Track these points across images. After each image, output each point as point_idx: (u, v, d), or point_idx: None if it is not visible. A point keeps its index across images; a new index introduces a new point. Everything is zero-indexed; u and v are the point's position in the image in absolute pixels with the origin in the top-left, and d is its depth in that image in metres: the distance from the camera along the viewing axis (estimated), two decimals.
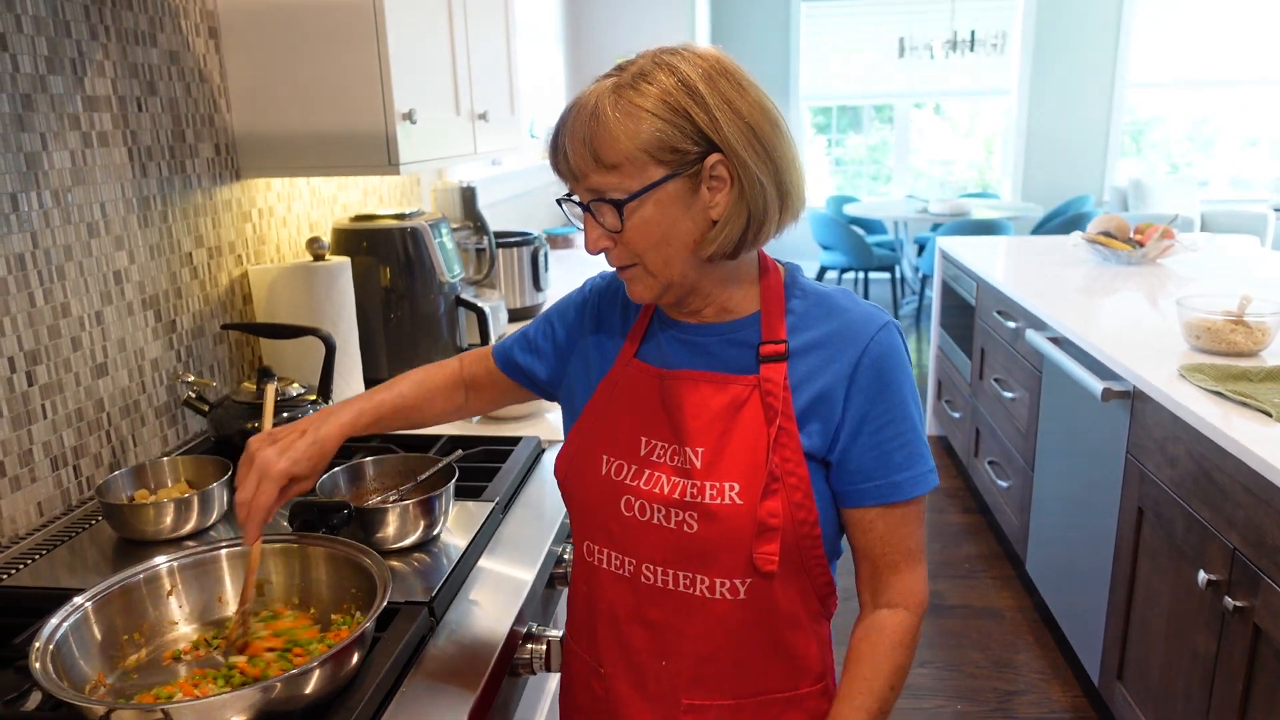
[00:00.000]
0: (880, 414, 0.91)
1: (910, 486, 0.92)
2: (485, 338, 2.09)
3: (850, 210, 6.65)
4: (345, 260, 1.86)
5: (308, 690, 0.84)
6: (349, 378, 1.85)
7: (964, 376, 3.58)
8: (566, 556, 1.37)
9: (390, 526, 1.20)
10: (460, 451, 1.38)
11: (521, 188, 3.82)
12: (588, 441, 1.00)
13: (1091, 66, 7.25)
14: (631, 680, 0.98)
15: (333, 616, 1.02)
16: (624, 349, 1.01)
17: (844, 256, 6.30)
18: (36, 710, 0.90)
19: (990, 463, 3.22)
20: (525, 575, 1.21)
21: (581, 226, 0.92)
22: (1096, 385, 2.14)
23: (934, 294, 4.08)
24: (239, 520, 0.93)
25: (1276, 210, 6.88)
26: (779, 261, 1.00)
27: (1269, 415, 1.69)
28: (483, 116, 2.26)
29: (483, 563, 1.23)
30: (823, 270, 6.61)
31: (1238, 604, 1.60)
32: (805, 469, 0.89)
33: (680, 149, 0.84)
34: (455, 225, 2.49)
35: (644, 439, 0.95)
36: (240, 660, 0.93)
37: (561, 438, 1.74)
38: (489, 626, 1.09)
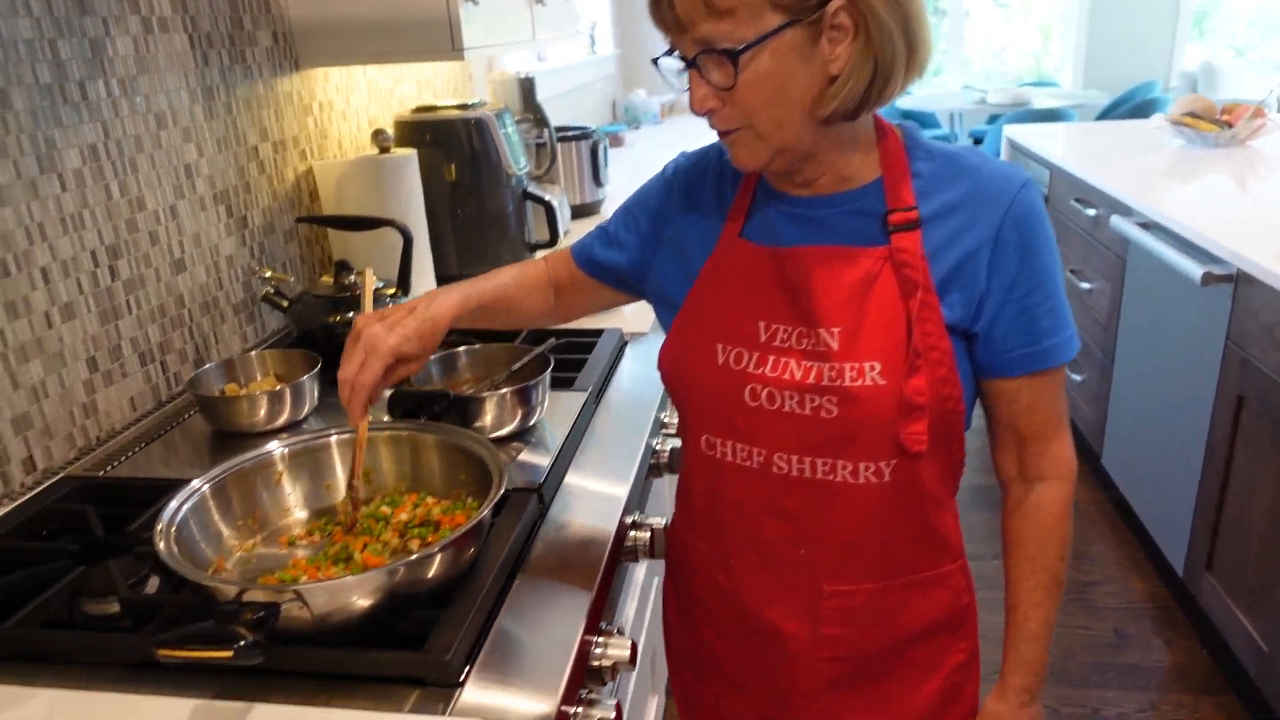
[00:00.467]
0: (1027, 278, 0.84)
1: (1058, 352, 0.86)
2: (554, 234, 2.03)
3: (903, 104, 6.39)
4: (411, 152, 1.80)
5: (430, 574, 0.83)
6: (421, 275, 1.81)
7: None
8: (659, 447, 1.34)
9: (488, 415, 1.17)
10: (553, 340, 1.33)
11: (572, 83, 3.70)
12: (697, 332, 0.94)
13: None
14: (766, 571, 0.95)
15: (444, 503, 0.99)
16: (725, 230, 0.94)
17: None
18: (159, 594, 0.90)
19: None
20: (626, 465, 1.18)
21: (679, 88, 0.84)
22: (1195, 270, 2.03)
23: None
24: (342, 400, 0.89)
25: None
26: (893, 122, 0.92)
27: None
28: (540, 1, 2.15)
29: (582, 453, 1.20)
30: None
31: None
32: (948, 342, 0.83)
33: None
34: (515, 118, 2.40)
35: (762, 324, 0.90)
36: (356, 544, 0.91)
37: (643, 330, 1.71)
38: (598, 514, 1.07)
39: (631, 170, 3.10)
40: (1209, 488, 2.07)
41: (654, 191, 1.02)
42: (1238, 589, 1.97)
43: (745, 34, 0.77)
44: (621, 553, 1.10)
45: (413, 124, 1.90)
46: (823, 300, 0.85)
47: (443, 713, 0.75)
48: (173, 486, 1.03)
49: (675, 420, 1.37)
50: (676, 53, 0.82)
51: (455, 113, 1.90)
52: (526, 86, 2.41)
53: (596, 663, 0.91)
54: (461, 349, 1.29)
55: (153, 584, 0.93)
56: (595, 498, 1.10)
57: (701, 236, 0.95)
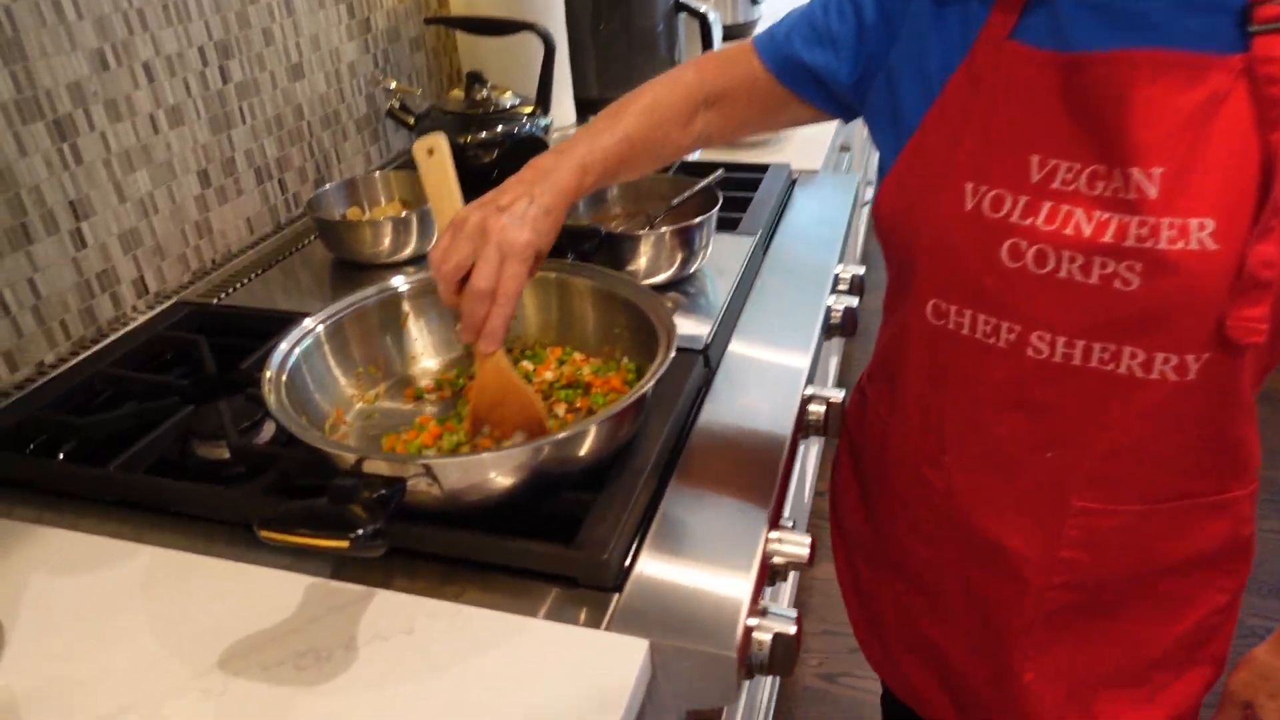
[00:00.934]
0: None
1: None
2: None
3: None
4: None
5: (583, 452, 0.67)
6: (559, 96, 1.60)
7: None
8: (833, 305, 1.14)
9: (642, 258, 0.98)
10: (722, 172, 1.12)
11: None
12: (937, 166, 0.70)
13: None
14: (994, 476, 0.76)
15: (594, 361, 0.83)
16: (988, 25, 0.68)
17: None
18: (273, 445, 0.78)
19: None
20: (803, 329, 0.98)
21: None
22: None
23: None
24: (470, 320, 0.66)
25: None
26: None
27: None
28: None
29: (750, 311, 1.01)
30: None
31: None
32: None
33: None
34: None
35: (1036, 159, 0.66)
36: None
37: (814, 168, 1.46)
38: (773, 386, 0.88)
39: None
40: None
41: None
42: None
43: None
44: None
45: None
46: (1139, 129, 0.61)
47: (597, 623, 0.61)
48: (289, 320, 0.90)
49: (851, 274, 1.16)
50: None
51: None
52: None
53: (771, 559, 0.75)
54: None
55: (268, 430, 0.82)
56: (768, 366, 0.92)
57: (950, 35, 0.71)
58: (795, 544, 0.76)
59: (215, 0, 1.10)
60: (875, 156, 1.71)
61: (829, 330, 1.13)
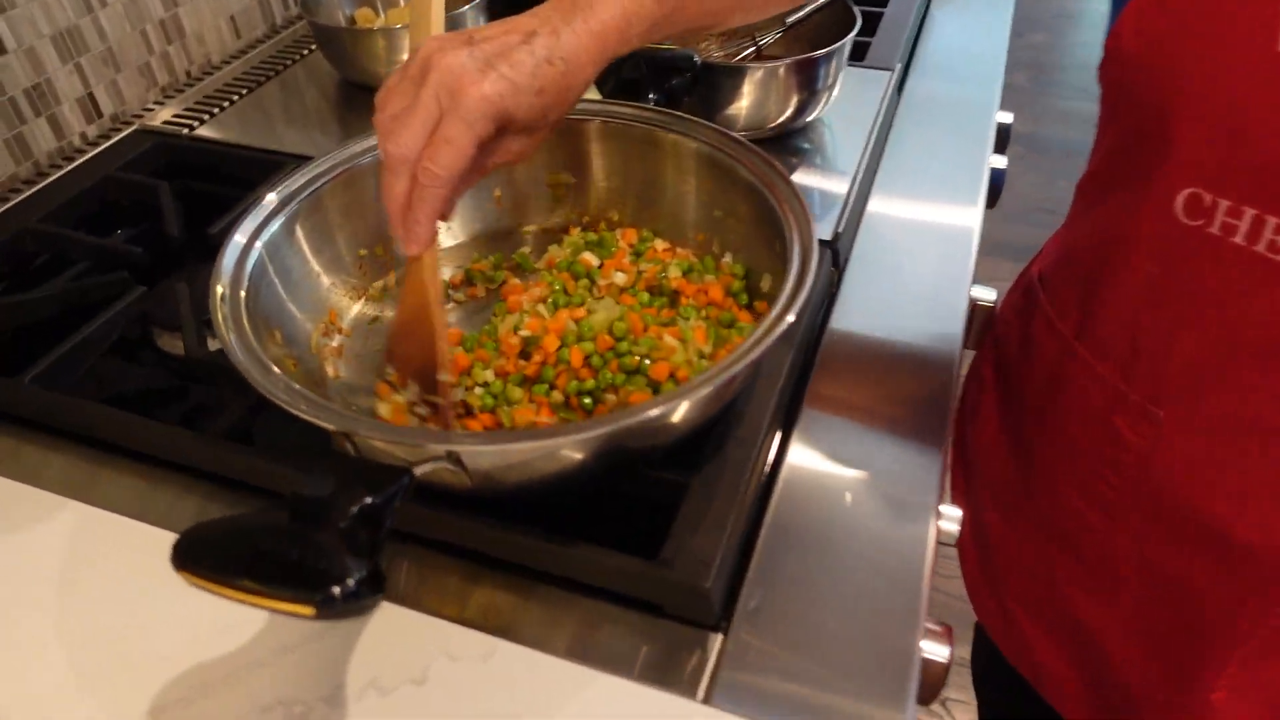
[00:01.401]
0: None
1: None
2: None
3: None
4: None
5: (679, 423, 0.45)
6: None
7: None
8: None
9: (745, 99, 0.72)
10: None
11: None
12: None
13: None
14: (1237, 445, 0.54)
15: (681, 253, 0.60)
16: None
17: None
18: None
19: None
20: (961, 201, 0.73)
21: None
22: None
23: None
24: (387, 199, 0.45)
25: None
26: None
27: None
28: None
29: (888, 174, 0.76)
30: None
31: None
32: None
33: None
34: None
35: None
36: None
37: None
38: (924, 285, 0.65)
39: None
40: None
41: None
42: None
43: None
44: None
45: None
46: None
47: (694, 684, 0.41)
48: (282, 164, 0.68)
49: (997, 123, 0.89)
50: None
51: None
52: None
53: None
54: None
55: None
56: (917, 258, 0.68)
57: None
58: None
59: None
60: None
61: None
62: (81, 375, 0.57)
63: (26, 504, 0.50)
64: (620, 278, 0.55)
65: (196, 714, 0.40)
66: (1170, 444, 0.57)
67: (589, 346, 0.50)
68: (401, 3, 0.91)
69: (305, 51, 0.94)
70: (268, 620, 0.43)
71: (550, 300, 0.54)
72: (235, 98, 0.86)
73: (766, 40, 0.78)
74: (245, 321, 0.45)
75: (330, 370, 0.52)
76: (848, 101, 0.80)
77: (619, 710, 0.40)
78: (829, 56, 0.71)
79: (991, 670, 0.91)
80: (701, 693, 0.41)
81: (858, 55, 0.87)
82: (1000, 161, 0.84)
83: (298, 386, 0.42)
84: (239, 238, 0.50)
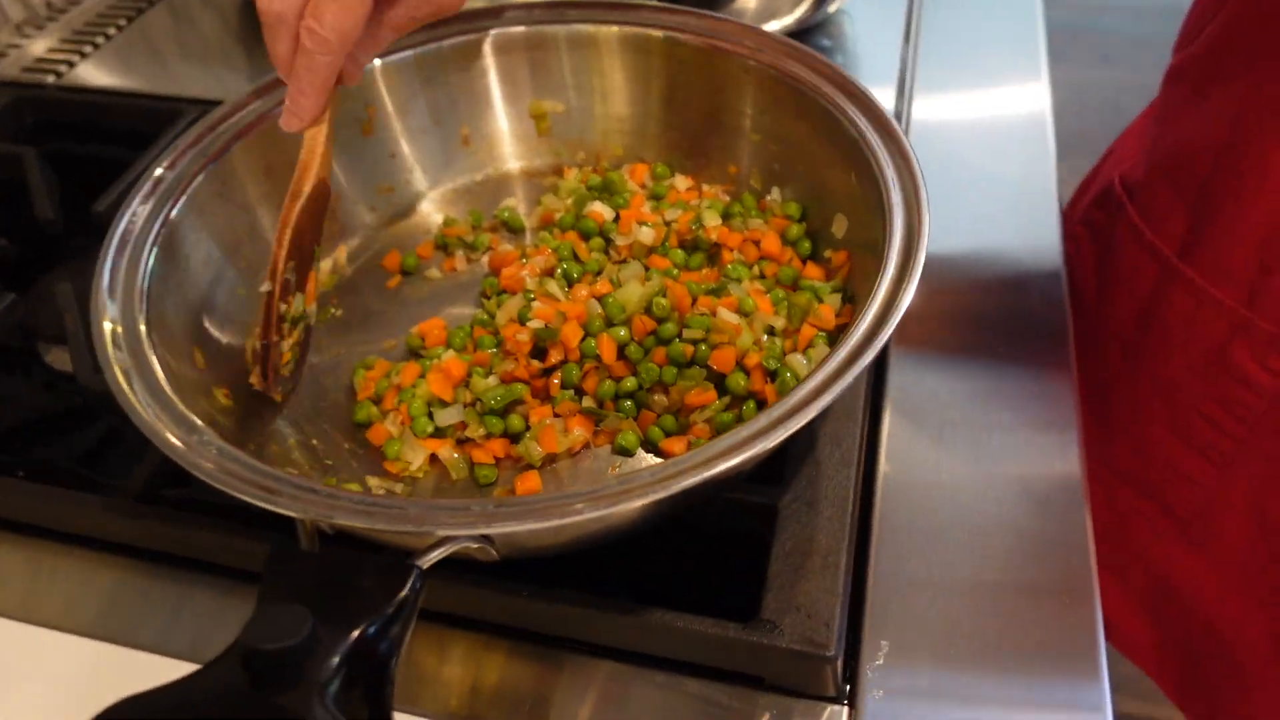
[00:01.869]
0: None
1: None
2: None
3: None
4: None
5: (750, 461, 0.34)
6: None
7: None
8: None
9: None
10: None
11: None
12: None
13: None
14: None
15: (712, 191, 0.47)
16: None
17: None
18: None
19: None
20: (1024, 79, 0.61)
21: None
22: None
23: None
24: (276, 58, 0.36)
25: None
26: None
27: None
28: None
29: (924, 71, 0.63)
30: None
31: None
32: None
33: None
34: None
35: None
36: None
37: None
38: (1007, 189, 0.54)
39: None
40: None
41: None
42: None
43: None
44: None
45: None
46: None
47: None
48: (181, 113, 0.54)
49: None
50: None
51: None
52: None
53: None
54: None
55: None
56: (985, 162, 0.56)
57: None
58: None
59: None
60: None
61: None
62: None
63: None
64: (646, 233, 0.42)
65: None
66: None
67: (622, 334, 0.38)
68: None
69: None
70: None
71: (560, 272, 0.41)
72: (112, 30, 0.70)
73: None
74: (149, 350, 0.32)
75: (275, 394, 0.39)
76: None
77: None
78: None
79: None
80: None
81: None
82: None
83: (243, 457, 0.29)
84: (128, 228, 0.36)
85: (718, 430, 0.36)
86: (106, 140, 0.58)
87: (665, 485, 0.27)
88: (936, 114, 0.58)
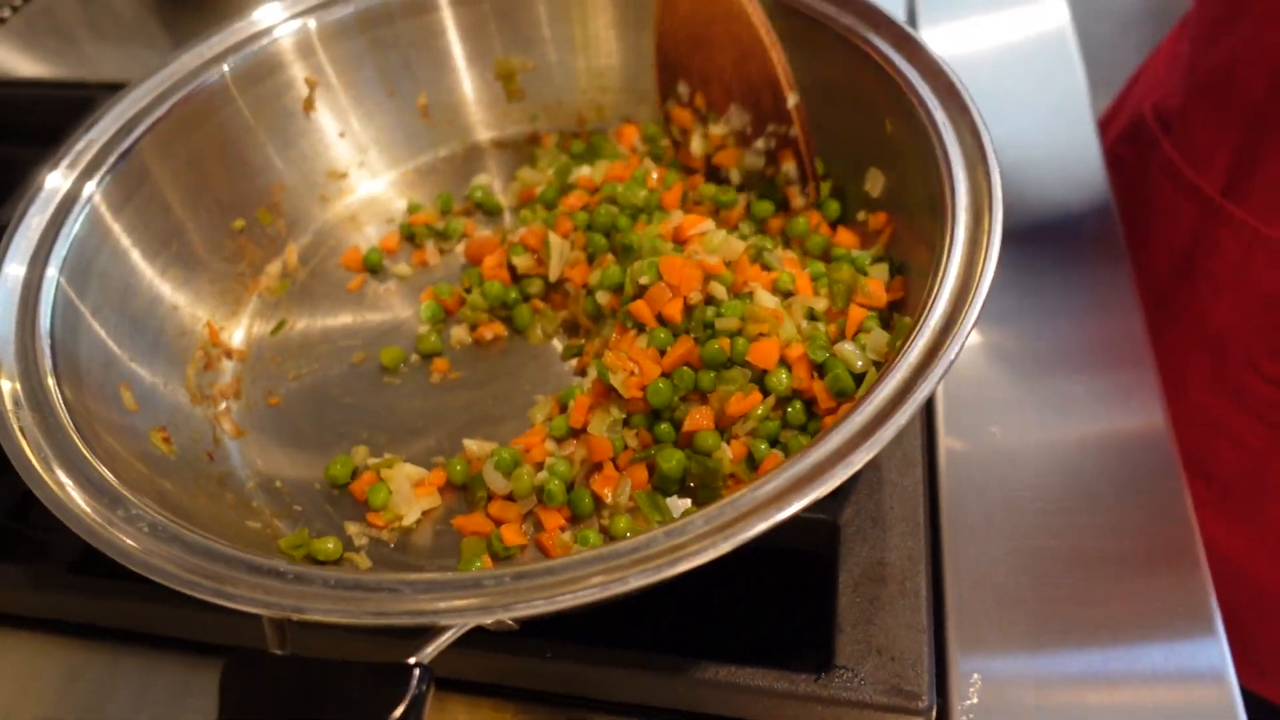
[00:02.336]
0: None
1: None
2: None
3: None
4: None
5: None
6: None
7: None
8: None
9: None
10: None
11: None
12: None
13: None
14: None
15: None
16: None
17: None
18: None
19: None
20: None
21: None
22: None
23: None
24: None
25: None
26: None
27: None
28: None
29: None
30: None
31: None
32: None
33: None
34: None
35: None
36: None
37: None
38: (1033, 122, 0.48)
39: None
40: None
41: None
42: None
43: None
44: None
45: None
46: None
47: None
48: (93, 100, 0.46)
49: None
50: None
51: None
52: None
53: None
54: None
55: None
56: (1002, 95, 0.50)
57: None
58: None
59: None
60: None
61: None
62: None
63: None
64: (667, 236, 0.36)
65: None
66: None
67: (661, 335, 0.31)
68: None
69: None
70: None
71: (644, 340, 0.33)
72: (9, 10, 0.61)
73: None
74: (60, 406, 0.26)
75: (228, 427, 0.33)
76: None
77: None
78: None
79: None
80: None
81: None
82: None
83: (184, 533, 0.23)
84: (14, 268, 0.29)
85: (766, 440, 0.30)
86: (6, 140, 0.50)
87: (725, 537, 0.21)
88: (948, 45, 0.52)
